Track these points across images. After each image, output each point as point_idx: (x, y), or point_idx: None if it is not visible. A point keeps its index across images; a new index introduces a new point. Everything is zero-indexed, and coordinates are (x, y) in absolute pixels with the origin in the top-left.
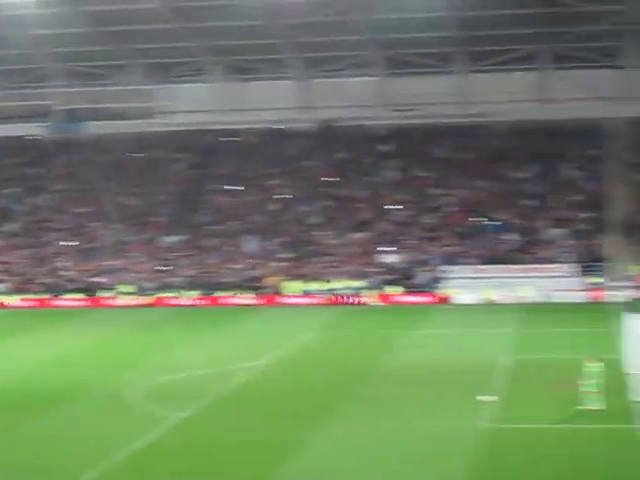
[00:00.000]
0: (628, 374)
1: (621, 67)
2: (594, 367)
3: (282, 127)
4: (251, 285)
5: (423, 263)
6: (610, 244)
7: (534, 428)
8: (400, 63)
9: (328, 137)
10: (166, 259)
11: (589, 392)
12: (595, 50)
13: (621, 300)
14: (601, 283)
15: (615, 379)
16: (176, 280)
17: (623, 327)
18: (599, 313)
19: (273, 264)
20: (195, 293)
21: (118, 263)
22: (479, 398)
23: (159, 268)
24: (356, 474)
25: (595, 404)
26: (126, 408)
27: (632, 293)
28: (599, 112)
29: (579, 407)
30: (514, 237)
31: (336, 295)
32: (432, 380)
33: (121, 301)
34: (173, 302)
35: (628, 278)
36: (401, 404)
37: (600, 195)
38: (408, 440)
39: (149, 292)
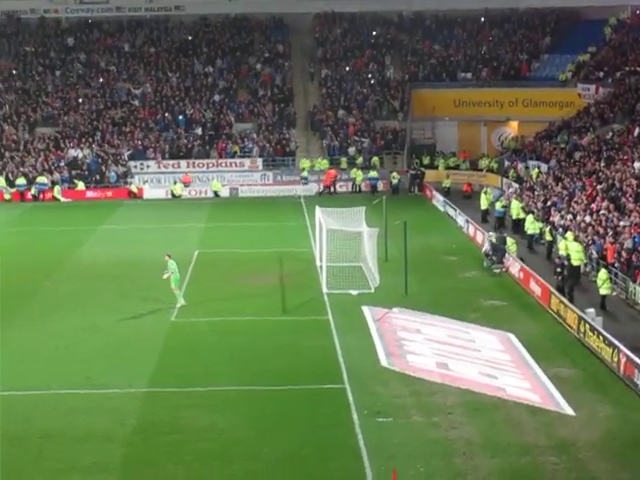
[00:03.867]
0: (320, 267)
1: None
2: (171, 264)
3: None
4: None
5: (112, 158)
6: (297, 139)
7: (232, 321)
8: None
9: (12, 29)
10: None
11: (175, 289)
12: None
13: (310, 194)
14: (292, 177)
15: (308, 271)
16: None
17: (314, 221)
18: (291, 207)
19: None
20: None
21: None
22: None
23: None
24: (55, 371)
25: (180, 300)
26: None
27: (320, 187)
28: (285, 7)
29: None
30: (201, 131)
31: (23, 191)
32: (123, 275)
33: None
34: None
35: (318, 171)
36: (90, 299)
37: (286, 90)
38: (98, 335)
39: None
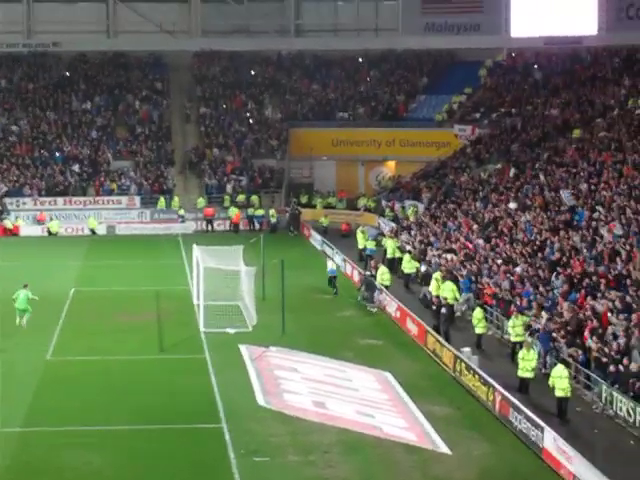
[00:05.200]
0: (197, 305)
1: (185, 1)
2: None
3: None
4: None
5: None
6: (175, 176)
7: (106, 360)
8: None
9: None
10: None
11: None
12: None
13: (188, 232)
14: (169, 215)
15: (184, 310)
16: None
17: (191, 259)
18: (168, 245)
19: None
20: None
21: None
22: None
23: None
24: None
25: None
26: None
27: (198, 225)
28: (164, 45)
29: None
30: (79, 168)
31: None
32: None
33: None
34: None
35: (194, 209)
36: None
37: (165, 127)
38: None
39: None
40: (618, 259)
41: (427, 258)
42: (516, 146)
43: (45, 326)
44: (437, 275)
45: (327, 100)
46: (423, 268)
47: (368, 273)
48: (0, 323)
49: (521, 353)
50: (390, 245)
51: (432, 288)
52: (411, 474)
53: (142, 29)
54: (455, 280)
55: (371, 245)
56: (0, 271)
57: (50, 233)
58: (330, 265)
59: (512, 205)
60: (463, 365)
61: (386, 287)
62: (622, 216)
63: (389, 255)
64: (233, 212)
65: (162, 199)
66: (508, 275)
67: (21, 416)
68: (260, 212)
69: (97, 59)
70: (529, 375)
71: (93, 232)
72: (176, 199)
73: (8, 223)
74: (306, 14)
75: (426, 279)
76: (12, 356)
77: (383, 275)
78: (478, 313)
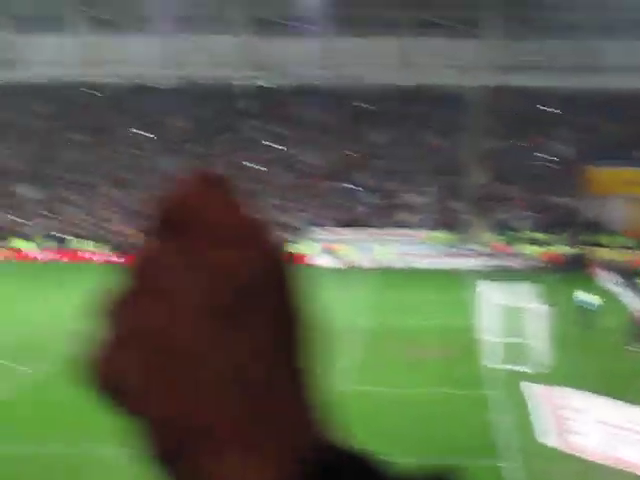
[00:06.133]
0: (484, 340)
1: (481, 37)
2: None
3: (145, 82)
4: None
5: (281, 225)
6: (467, 211)
7: (390, 392)
8: (266, 24)
9: (190, 94)
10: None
11: None
12: (457, 19)
13: (477, 267)
14: (459, 250)
15: (469, 345)
16: None
17: (478, 294)
18: (456, 279)
19: None
20: None
21: None
22: None
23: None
24: None
25: None
26: None
27: (488, 261)
28: (459, 79)
29: None
30: (374, 201)
31: None
32: None
33: None
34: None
35: (485, 245)
36: None
37: (457, 162)
38: None
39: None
40: None
41: None
42: None
43: (333, 357)
44: None
45: (622, 138)
46: None
47: None
48: None
49: None
50: None
51: None
52: None
53: (437, 63)
54: None
55: None
56: None
57: (342, 264)
58: (590, 298)
59: None
60: None
61: None
62: None
63: None
64: (531, 250)
65: (435, 234)
66: None
67: None
68: (557, 249)
69: (393, 92)
70: None
71: (385, 264)
72: (446, 234)
73: (300, 250)
74: (602, 52)
75: None
76: None
77: None
78: None
